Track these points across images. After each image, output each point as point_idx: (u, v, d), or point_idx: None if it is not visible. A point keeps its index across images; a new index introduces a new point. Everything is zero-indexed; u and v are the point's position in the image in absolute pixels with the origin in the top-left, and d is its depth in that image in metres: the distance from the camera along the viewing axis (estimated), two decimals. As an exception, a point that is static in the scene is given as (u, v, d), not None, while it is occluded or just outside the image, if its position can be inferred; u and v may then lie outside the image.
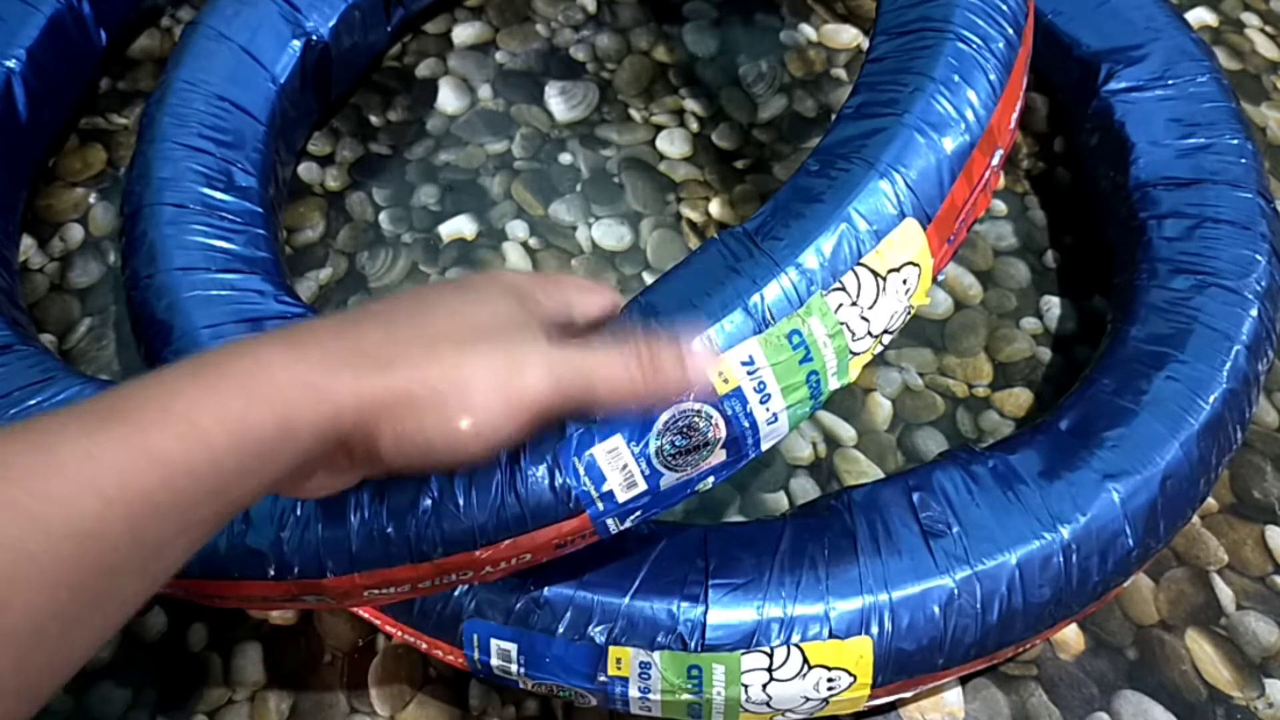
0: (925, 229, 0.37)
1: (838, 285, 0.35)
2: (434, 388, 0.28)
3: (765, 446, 0.36)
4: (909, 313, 0.38)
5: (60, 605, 0.22)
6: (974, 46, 0.39)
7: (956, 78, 0.38)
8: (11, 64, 0.58)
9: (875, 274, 0.36)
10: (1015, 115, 0.41)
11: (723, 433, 0.34)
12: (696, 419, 0.34)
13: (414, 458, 0.29)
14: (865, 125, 0.38)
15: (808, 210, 0.36)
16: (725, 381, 0.34)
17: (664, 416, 0.34)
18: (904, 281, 0.36)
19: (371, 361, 0.27)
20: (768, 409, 0.35)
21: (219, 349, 0.27)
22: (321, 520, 0.37)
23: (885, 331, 0.37)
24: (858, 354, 0.36)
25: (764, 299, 0.34)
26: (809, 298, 0.35)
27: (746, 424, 0.34)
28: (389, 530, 0.36)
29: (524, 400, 0.29)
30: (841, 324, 0.35)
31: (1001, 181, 0.63)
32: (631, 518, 0.36)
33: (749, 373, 0.34)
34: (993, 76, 0.39)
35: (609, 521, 0.35)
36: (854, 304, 0.35)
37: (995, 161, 0.39)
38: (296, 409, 0.26)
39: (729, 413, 0.34)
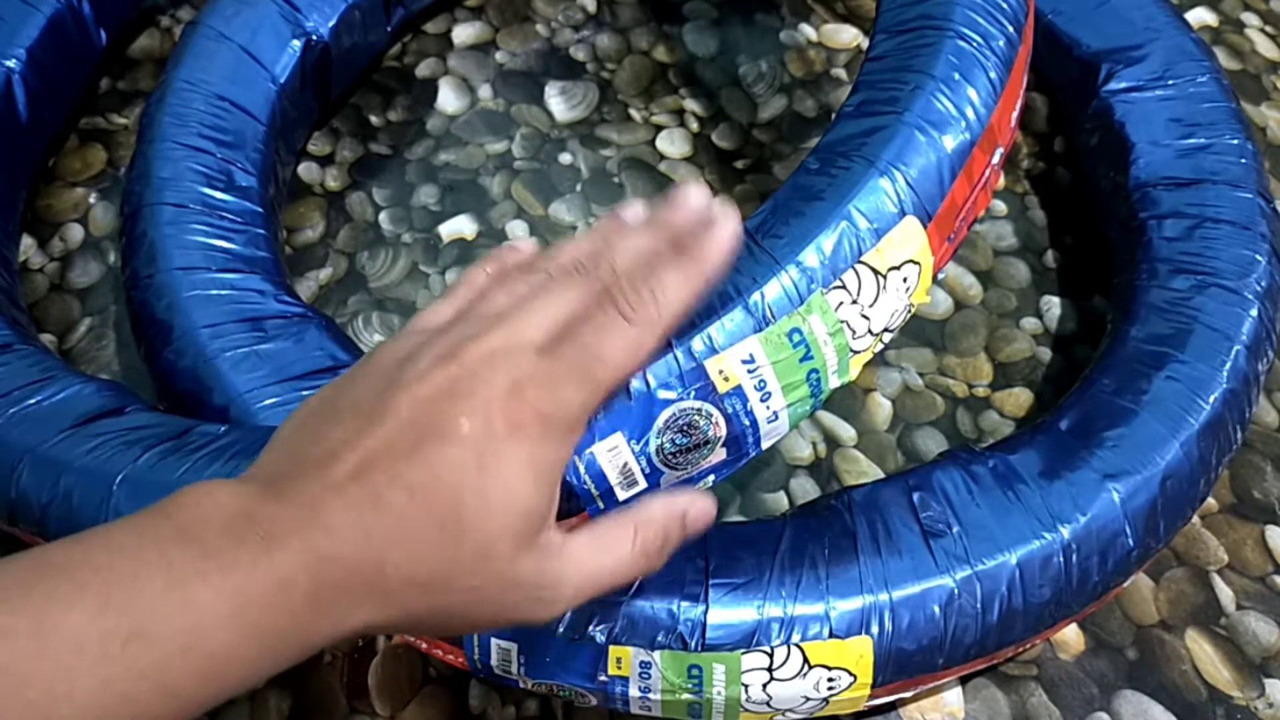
0: (925, 227, 0.37)
1: (838, 283, 0.35)
2: (456, 611, 0.29)
3: (765, 445, 0.36)
4: (909, 311, 0.38)
5: None
6: (974, 44, 0.39)
7: (957, 76, 0.38)
8: (11, 64, 0.58)
9: (876, 272, 0.36)
10: (1015, 114, 0.41)
11: (723, 431, 0.34)
12: (697, 417, 0.34)
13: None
14: (866, 123, 0.38)
15: (808, 208, 0.36)
16: (726, 379, 0.34)
17: (664, 414, 0.34)
18: (904, 280, 0.36)
19: (394, 594, 0.28)
20: (768, 407, 0.35)
21: (271, 542, 0.26)
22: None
23: (886, 330, 0.37)
24: (858, 352, 0.36)
25: (764, 297, 0.34)
26: (809, 296, 0.35)
27: (747, 422, 0.34)
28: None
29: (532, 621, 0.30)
30: (842, 322, 0.35)
31: (1001, 181, 0.63)
32: (632, 517, 0.36)
33: (749, 371, 0.34)
34: (993, 74, 0.39)
35: (609, 520, 0.35)
36: (854, 302, 0.35)
37: (995, 160, 0.39)
38: (314, 645, 0.27)
39: (729, 411, 0.34)
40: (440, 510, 0.28)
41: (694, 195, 0.33)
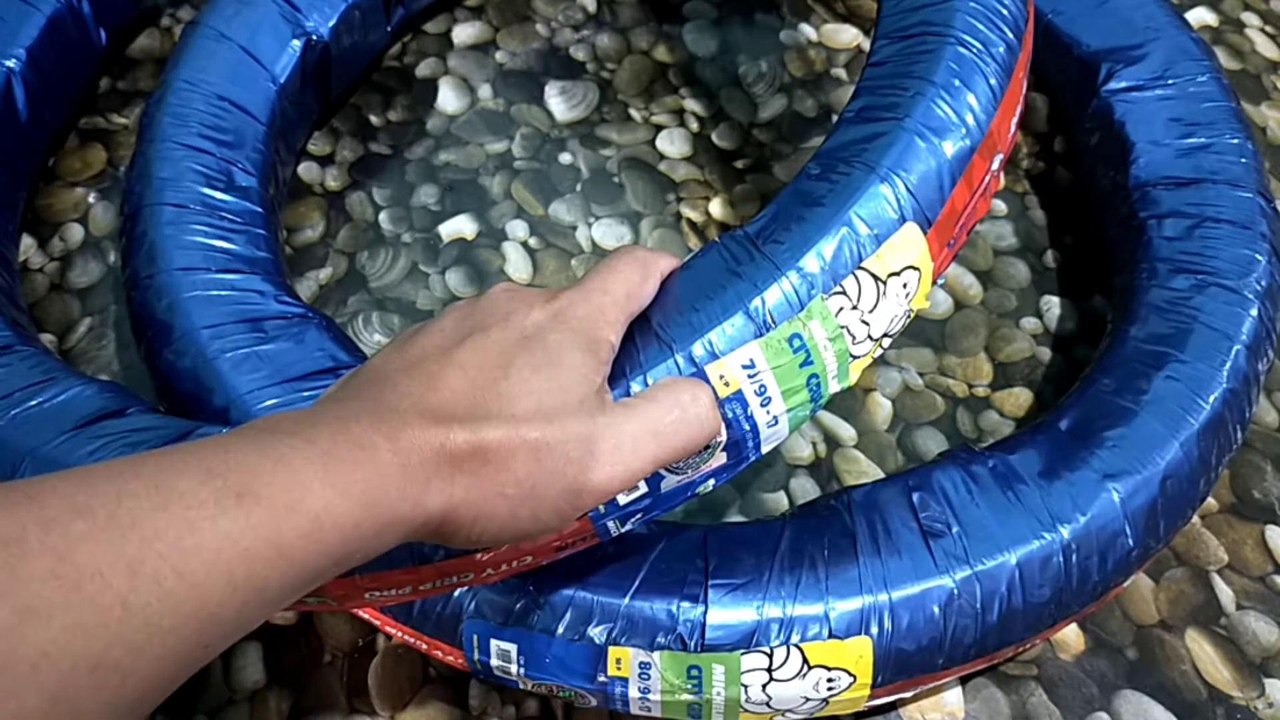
0: (926, 233, 0.37)
1: (838, 289, 0.35)
2: (511, 497, 0.29)
3: (766, 449, 0.36)
4: (909, 316, 0.38)
5: (163, 677, 0.24)
6: (974, 51, 0.39)
7: (957, 82, 0.38)
8: (11, 64, 0.58)
9: (876, 278, 0.36)
10: (1015, 120, 0.41)
11: (723, 436, 0.34)
12: (697, 421, 0.34)
13: (478, 546, 0.31)
14: (866, 129, 0.38)
15: (809, 214, 0.36)
16: (726, 385, 0.34)
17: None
18: (904, 285, 0.36)
19: (461, 466, 0.29)
20: (768, 412, 0.35)
21: (340, 421, 0.28)
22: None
23: (885, 335, 0.37)
24: (858, 357, 0.36)
25: (765, 302, 0.34)
26: (810, 301, 0.35)
27: (747, 427, 0.34)
28: (390, 532, 0.36)
29: (594, 500, 0.31)
30: (842, 327, 0.35)
31: (1001, 182, 0.63)
32: (632, 520, 0.36)
33: (750, 376, 0.34)
34: (993, 81, 0.39)
35: (610, 524, 0.35)
36: (854, 308, 0.35)
37: (995, 166, 0.39)
38: (398, 519, 0.28)
39: (730, 416, 0.34)
40: (493, 378, 0.30)
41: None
